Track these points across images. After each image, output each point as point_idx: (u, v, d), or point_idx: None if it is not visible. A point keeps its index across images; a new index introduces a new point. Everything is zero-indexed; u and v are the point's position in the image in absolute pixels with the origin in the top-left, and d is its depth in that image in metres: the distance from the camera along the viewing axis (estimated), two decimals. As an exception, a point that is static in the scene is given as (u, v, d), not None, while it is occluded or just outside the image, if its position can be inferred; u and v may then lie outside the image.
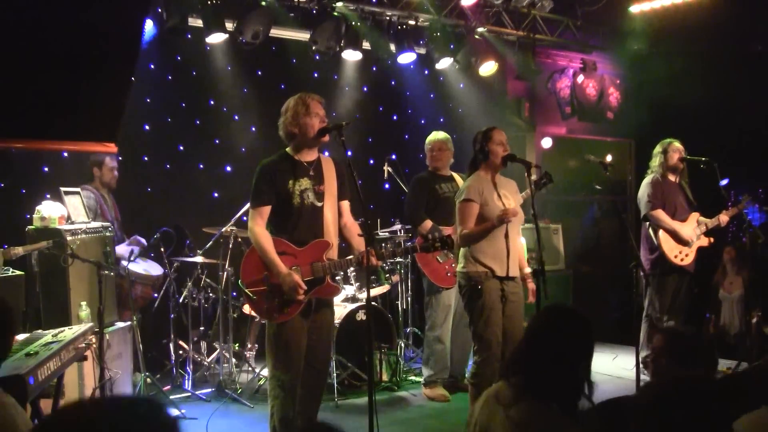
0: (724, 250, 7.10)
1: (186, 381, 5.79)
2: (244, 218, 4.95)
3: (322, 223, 3.98)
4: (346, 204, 4.18)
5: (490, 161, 4.55)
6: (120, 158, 5.95)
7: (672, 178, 6.01)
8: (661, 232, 5.89)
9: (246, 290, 3.89)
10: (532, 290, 4.64)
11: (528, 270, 4.74)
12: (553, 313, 2.53)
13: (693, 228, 5.93)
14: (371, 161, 7.51)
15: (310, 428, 2.07)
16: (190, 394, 5.63)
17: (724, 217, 5.95)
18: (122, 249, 5.59)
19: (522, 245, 5.03)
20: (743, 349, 6.85)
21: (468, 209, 4.48)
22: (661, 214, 5.88)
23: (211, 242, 5.77)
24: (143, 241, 5.70)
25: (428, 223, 5.57)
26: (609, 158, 7.01)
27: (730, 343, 7.05)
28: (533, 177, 4.56)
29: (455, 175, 5.82)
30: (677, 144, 6.00)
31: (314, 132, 3.92)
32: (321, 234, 3.97)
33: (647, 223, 5.98)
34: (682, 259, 5.88)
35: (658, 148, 6.07)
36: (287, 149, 4.05)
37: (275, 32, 6.59)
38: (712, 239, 6.02)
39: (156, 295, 5.91)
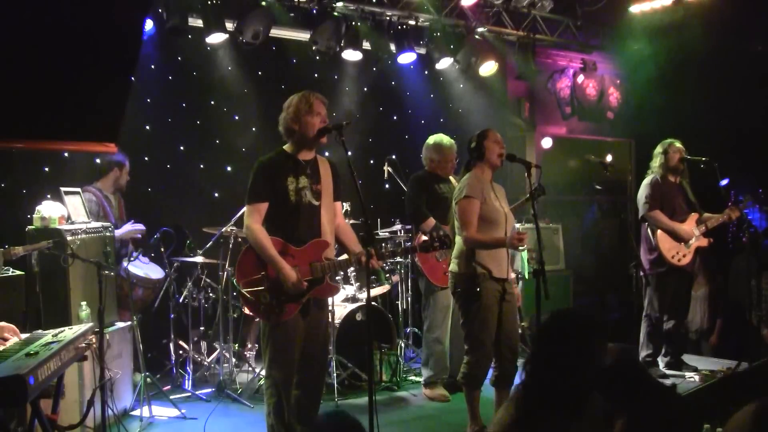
0: None
1: (186, 381, 5.79)
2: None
3: (320, 223, 3.98)
4: (339, 205, 4.19)
5: (487, 159, 4.56)
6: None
7: (672, 178, 6.01)
8: (659, 233, 5.89)
9: (242, 290, 3.88)
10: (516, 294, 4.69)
11: (512, 275, 4.77)
12: (550, 322, 2.51)
13: (692, 227, 5.93)
14: (371, 161, 7.50)
15: (334, 415, 2.14)
16: (190, 394, 5.63)
17: (734, 213, 5.93)
18: (119, 233, 5.54)
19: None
20: (705, 345, 6.95)
21: (470, 207, 4.43)
22: (658, 214, 5.87)
23: (211, 242, 5.77)
24: (140, 227, 5.68)
25: (431, 221, 5.55)
26: (609, 158, 7.00)
27: (691, 339, 7.09)
28: (533, 185, 4.57)
29: (451, 178, 5.81)
30: (678, 144, 5.99)
31: (314, 131, 3.92)
32: (319, 233, 3.97)
33: (646, 223, 5.99)
34: (679, 260, 5.87)
35: (658, 149, 6.06)
36: (285, 147, 4.04)
37: (275, 32, 6.60)
38: (711, 239, 6.01)
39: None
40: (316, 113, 3.92)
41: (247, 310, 4.35)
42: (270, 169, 3.93)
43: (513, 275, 4.82)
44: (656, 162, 6.05)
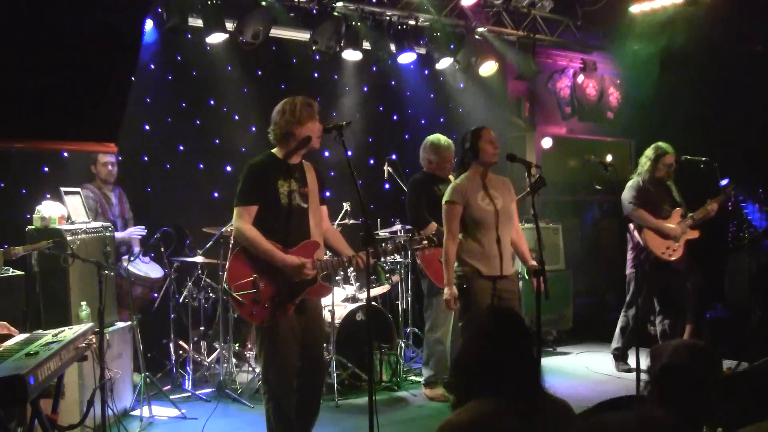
0: None
1: (186, 381, 5.79)
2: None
3: (309, 225, 4.00)
4: (325, 209, 4.21)
5: (481, 159, 4.57)
6: (120, 158, 5.96)
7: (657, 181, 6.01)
8: (645, 231, 5.89)
9: (234, 294, 3.88)
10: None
11: (533, 263, 4.59)
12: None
13: (677, 222, 5.93)
14: (371, 161, 7.50)
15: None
16: (190, 394, 5.63)
17: (713, 206, 5.93)
18: (120, 235, 5.60)
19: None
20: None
21: (450, 211, 4.54)
22: (642, 213, 5.89)
23: (211, 242, 5.76)
24: (140, 231, 5.71)
25: (433, 226, 5.53)
26: (609, 158, 6.99)
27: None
28: (533, 177, 4.56)
29: (450, 177, 5.80)
30: (669, 157, 5.94)
31: (316, 136, 3.96)
32: (308, 235, 4.00)
33: (631, 224, 5.99)
34: (670, 255, 5.87)
35: (650, 153, 6.03)
36: (274, 150, 4.06)
37: (275, 32, 6.59)
38: (699, 231, 6.00)
39: (156, 295, 5.91)
40: (317, 119, 3.97)
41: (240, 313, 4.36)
42: (261, 172, 3.94)
43: (533, 263, 4.56)
44: (644, 165, 6.03)
